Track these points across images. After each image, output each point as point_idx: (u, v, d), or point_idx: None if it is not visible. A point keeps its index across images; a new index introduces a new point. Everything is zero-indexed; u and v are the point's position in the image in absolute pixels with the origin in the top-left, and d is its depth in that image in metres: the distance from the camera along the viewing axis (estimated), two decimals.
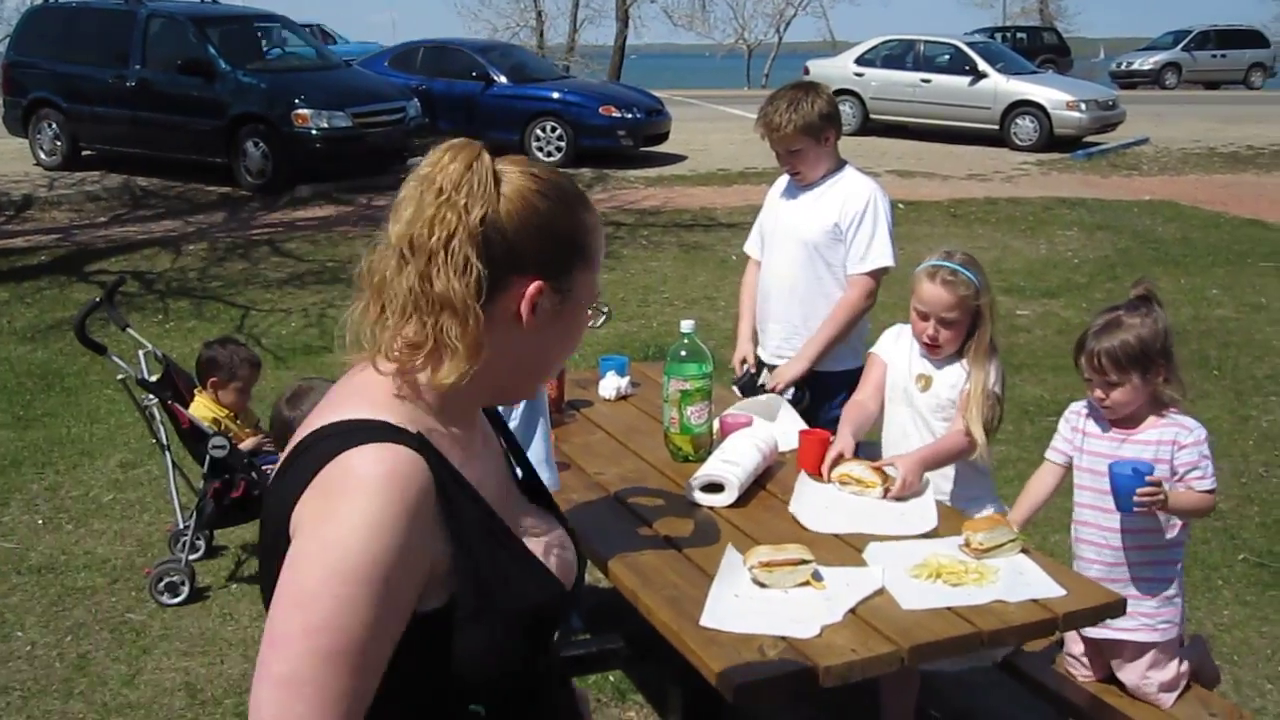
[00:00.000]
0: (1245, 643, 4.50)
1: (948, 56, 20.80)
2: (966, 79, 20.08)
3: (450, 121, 16.84)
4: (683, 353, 3.45)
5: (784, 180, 4.53)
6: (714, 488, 3.17)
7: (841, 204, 4.24)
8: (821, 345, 4.24)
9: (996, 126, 19.72)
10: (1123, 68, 38.39)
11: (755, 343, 4.61)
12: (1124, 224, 12.97)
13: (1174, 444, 3.12)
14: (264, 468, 4.83)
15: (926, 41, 21.46)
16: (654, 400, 3.88)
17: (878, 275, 4.25)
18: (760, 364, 4.59)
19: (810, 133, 4.19)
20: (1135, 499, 2.99)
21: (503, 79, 17.29)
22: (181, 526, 4.91)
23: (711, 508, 3.15)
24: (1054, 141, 19.25)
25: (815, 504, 3.15)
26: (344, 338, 1.56)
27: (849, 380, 4.13)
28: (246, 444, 4.92)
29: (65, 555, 5.22)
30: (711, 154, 18.42)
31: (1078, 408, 3.36)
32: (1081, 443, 3.28)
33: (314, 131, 14.24)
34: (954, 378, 3.48)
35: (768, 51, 43.99)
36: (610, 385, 4.11)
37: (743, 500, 3.17)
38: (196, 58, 14.57)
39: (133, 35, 15.00)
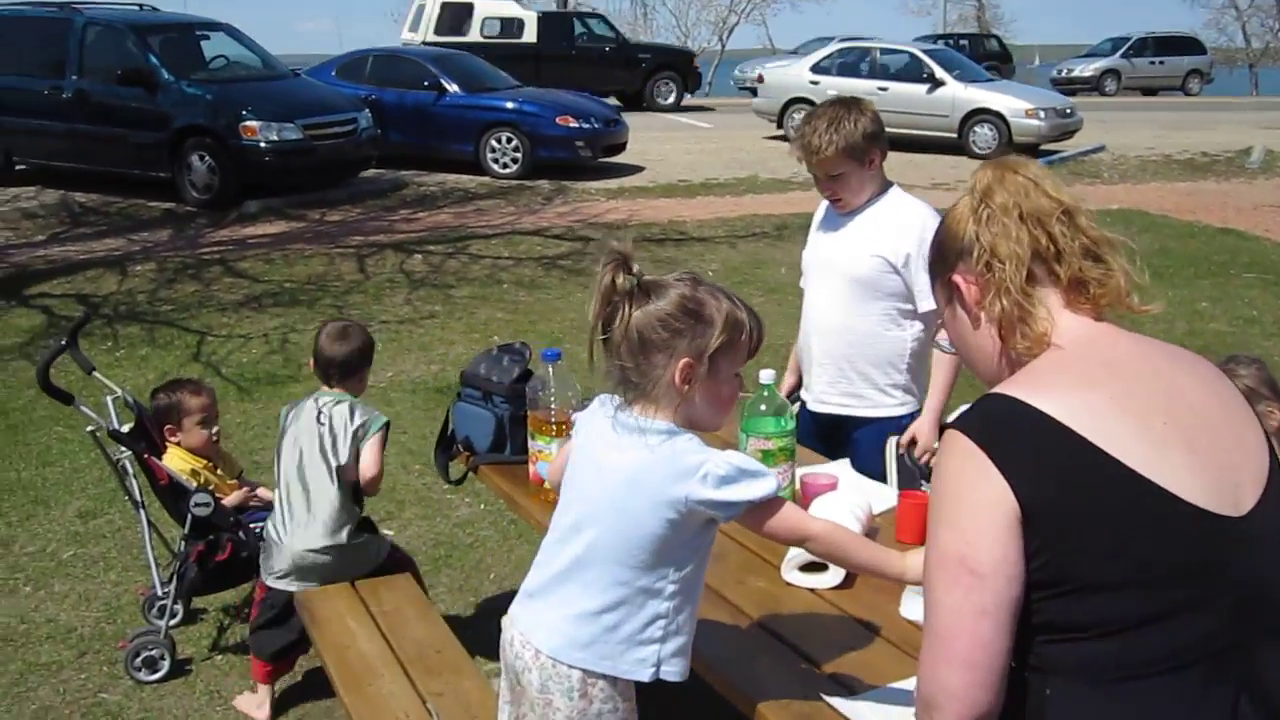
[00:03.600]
0: None
1: (903, 64, 20.60)
2: (924, 86, 19.86)
3: (402, 133, 16.31)
4: (762, 407, 3.02)
5: (824, 207, 4.13)
6: (814, 566, 2.74)
7: (893, 233, 3.83)
8: (942, 398, 3.86)
9: (955, 134, 19.53)
10: (1063, 74, 38.56)
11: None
12: None
13: None
14: (251, 525, 4.34)
15: (882, 49, 21.26)
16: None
17: None
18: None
19: (854, 155, 3.78)
20: None
21: (455, 88, 16.76)
22: (160, 592, 4.40)
23: (814, 590, 2.72)
24: (1013, 149, 19.07)
25: None
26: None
27: (893, 427, 3.80)
28: (231, 499, 4.42)
29: (25, 624, 4.68)
30: (670, 164, 18.02)
31: None
32: None
33: (263, 144, 13.61)
34: None
35: (711, 59, 43.72)
36: None
37: (848, 580, 2.73)
38: (137, 67, 13.88)
39: (69, 44, 14.27)
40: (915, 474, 3.77)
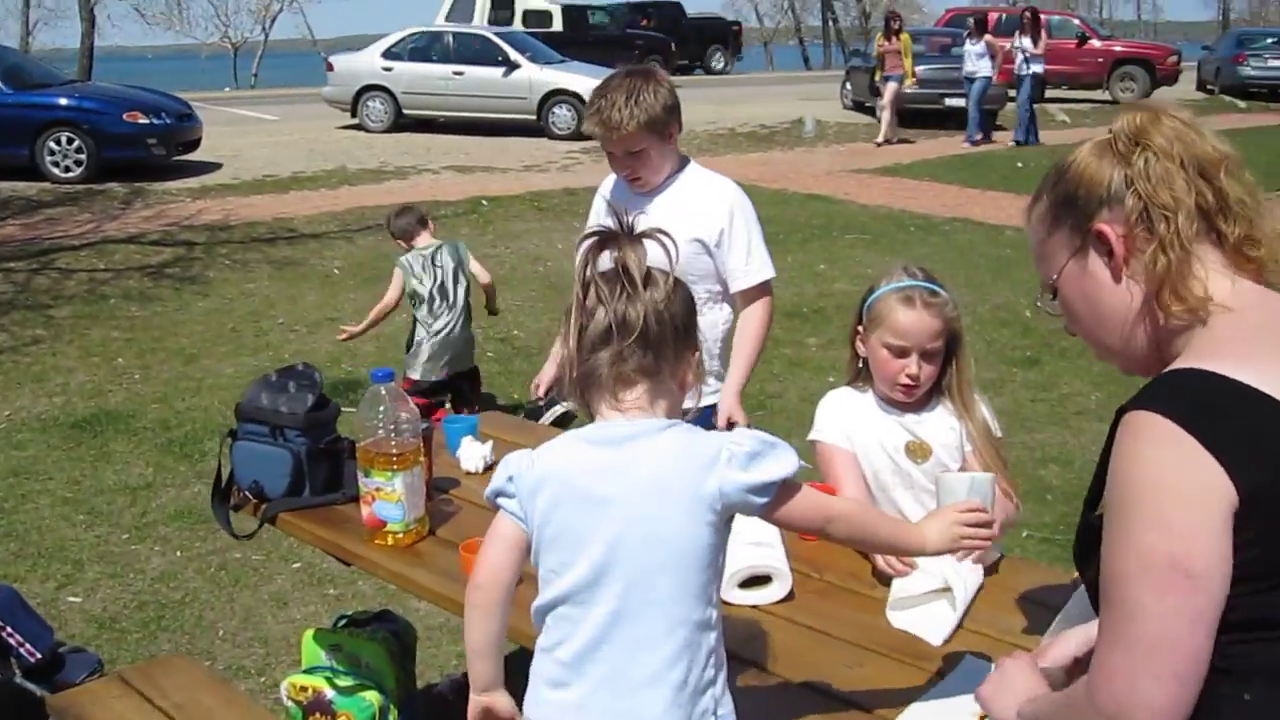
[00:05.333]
0: None
1: (477, 48, 20.39)
2: (500, 70, 19.78)
3: None
4: None
5: (610, 184, 3.85)
6: (755, 581, 2.47)
7: (703, 212, 3.62)
8: (746, 372, 3.65)
9: (534, 117, 19.60)
10: None
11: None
12: None
13: None
14: None
15: (455, 33, 21.01)
16: None
17: (768, 287, 3.69)
18: (550, 395, 4.04)
19: (655, 129, 3.53)
20: None
21: None
22: None
23: (756, 606, 2.45)
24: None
25: (925, 606, 2.38)
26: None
27: (707, 419, 3.56)
28: None
29: None
30: (247, 159, 16.92)
31: None
32: None
33: None
34: (942, 429, 2.83)
35: (255, 50, 41.83)
36: (472, 454, 3.22)
37: (790, 592, 2.49)
38: None
39: None
40: None
